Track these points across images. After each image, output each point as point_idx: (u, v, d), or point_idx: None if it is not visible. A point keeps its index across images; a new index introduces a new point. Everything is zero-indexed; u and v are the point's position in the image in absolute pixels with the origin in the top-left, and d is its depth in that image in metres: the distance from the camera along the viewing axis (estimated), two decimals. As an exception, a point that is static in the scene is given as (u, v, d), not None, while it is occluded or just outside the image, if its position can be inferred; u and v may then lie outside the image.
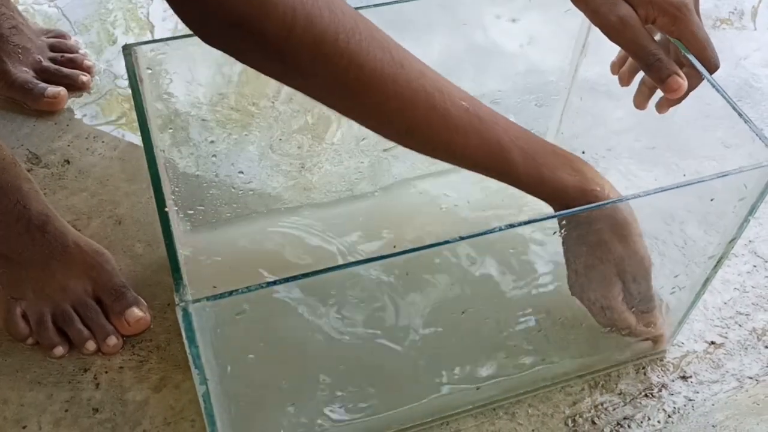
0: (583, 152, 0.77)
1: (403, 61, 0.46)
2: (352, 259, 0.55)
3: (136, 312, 0.64)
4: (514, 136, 0.51)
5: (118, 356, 0.64)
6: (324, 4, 0.42)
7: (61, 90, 0.83)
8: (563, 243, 0.54)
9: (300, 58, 0.42)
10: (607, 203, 0.51)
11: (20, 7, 0.95)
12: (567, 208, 0.51)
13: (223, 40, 0.42)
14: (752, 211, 0.53)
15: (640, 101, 0.63)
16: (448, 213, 0.74)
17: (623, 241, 0.53)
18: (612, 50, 0.66)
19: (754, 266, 0.74)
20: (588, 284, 0.55)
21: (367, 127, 0.49)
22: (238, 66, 0.72)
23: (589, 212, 0.51)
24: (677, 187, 0.50)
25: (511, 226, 0.47)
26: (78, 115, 0.84)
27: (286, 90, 0.76)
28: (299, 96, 0.75)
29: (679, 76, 0.55)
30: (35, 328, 0.63)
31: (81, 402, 0.62)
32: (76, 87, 0.85)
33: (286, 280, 0.42)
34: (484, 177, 0.52)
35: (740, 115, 0.53)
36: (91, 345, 0.63)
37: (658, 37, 0.58)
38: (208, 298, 0.41)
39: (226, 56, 0.66)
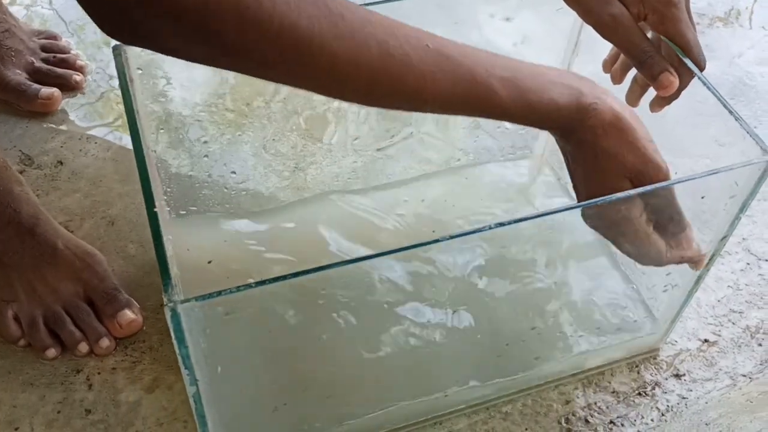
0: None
1: (343, 11, 0.41)
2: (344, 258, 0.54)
3: (128, 314, 0.64)
4: (490, 66, 0.46)
5: (110, 357, 0.64)
6: None
7: (55, 91, 0.83)
8: (569, 169, 0.51)
9: (225, 33, 0.38)
10: (608, 199, 0.50)
11: (20, 10, 0.95)
12: (565, 131, 0.49)
13: (138, 30, 0.38)
14: (743, 208, 0.53)
15: (633, 99, 0.63)
16: (442, 211, 0.74)
17: (632, 150, 0.49)
18: (604, 49, 0.66)
19: (748, 264, 0.74)
20: (603, 209, 0.50)
21: (326, 94, 0.45)
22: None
23: (583, 119, 0.48)
24: (669, 185, 0.50)
25: (501, 224, 0.47)
26: (71, 116, 0.84)
27: (280, 90, 0.76)
28: (293, 96, 0.75)
29: (670, 73, 0.55)
30: (27, 331, 0.63)
31: (73, 403, 0.61)
32: (69, 87, 0.85)
33: (276, 279, 0.42)
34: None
35: (731, 112, 0.53)
36: (83, 347, 0.63)
37: (650, 34, 0.58)
38: (196, 299, 0.41)
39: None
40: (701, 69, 0.56)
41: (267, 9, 0.38)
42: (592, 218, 0.51)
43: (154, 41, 0.39)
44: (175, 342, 0.42)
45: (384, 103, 0.46)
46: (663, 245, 0.52)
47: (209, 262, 0.66)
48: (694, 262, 0.56)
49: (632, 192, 0.49)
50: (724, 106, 0.53)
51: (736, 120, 0.52)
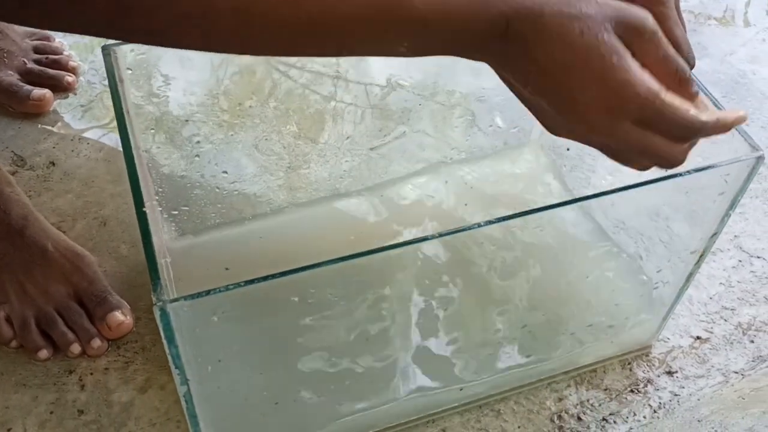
0: (568, 149, 0.77)
1: None
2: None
3: (118, 317, 0.64)
4: None
5: (103, 358, 0.64)
6: None
7: (47, 92, 0.83)
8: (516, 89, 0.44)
9: None
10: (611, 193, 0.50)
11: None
12: (497, 33, 0.39)
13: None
14: (732, 205, 0.53)
15: None
16: (435, 210, 0.74)
17: (589, 63, 0.40)
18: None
19: (740, 261, 0.74)
20: (579, 128, 0.43)
21: (187, 47, 0.38)
22: (224, 66, 0.72)
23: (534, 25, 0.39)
24: (658, 180, 0.50)
25: (490, 222, 0.47)
26: (64, 117, 0.83)
27: (273, 91, 0.76)
28: (286, 96, 0.75)
29: None
30: (19, 332, 0.63)
31: (66, 404, 0.61)
32: (61, 88, 0.85)
33: (265, 278, 0.42)
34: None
35: (719, 110, 0.53)
36: (75, 348, 0.63)
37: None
38: (185, 298, 0.41)
39: (211, 56, 0.66)
40: (691, 67, 0.56)
41: None
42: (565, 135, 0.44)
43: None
44: (164, 341, 0.42)
45: (271, 45, 0.38)
46: (667, 146, 0.44)
47: (227, 269, 0.66)
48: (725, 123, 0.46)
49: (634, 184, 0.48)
50: (714, 103, 0.53)
51: (725, 117, 0.52)
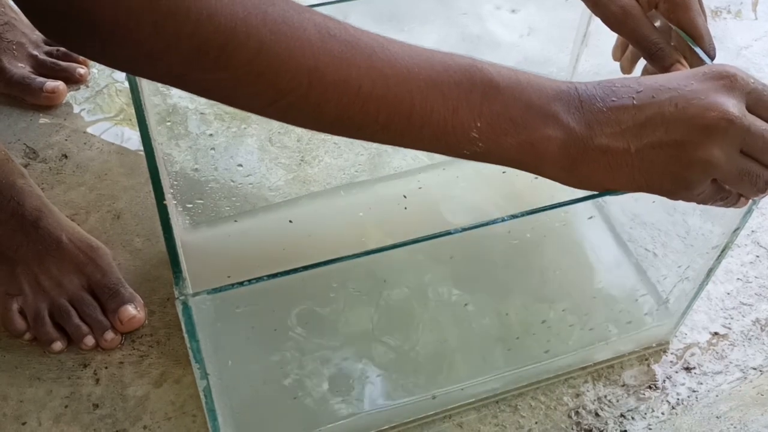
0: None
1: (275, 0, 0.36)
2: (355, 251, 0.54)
3: (129, 310, 0.64)
4: (469, 58, 0.41)
5: (117, 351, 0.64)
6: None
7: (60, 84, 0.82)
8: None
9: (139, 30, 0.34)
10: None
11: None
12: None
13: (59, 30, 0.35)
14: (756, 200, 0.53)
15: (627, 66, 0.63)
16: (449, 204, 0.73)
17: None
18: (613, 40, 0.66)
19: (757, 256, 0.74)
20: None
21: (261, 104, 0.38)
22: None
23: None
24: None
25: (512, 217, 0.47)
26: (76, 109, 0.83)
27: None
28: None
29: (681, 64, 0.55)
30: (32, 324, 0.63)
31: (81, 398, 0.61)
32: (73, 80, 0.84)
33: (287, 272, 0.42)
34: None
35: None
36: (89, 340, 0.63)
37: (658, 23, 0.57)
38: (208, 292, 0.41)
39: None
40: (712, 59, 0.56)
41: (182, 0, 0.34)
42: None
43: (80, 48, 0.36)
44: (186, 336, 0.42)
45: (330, 108, 0.38)
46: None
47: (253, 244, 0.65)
48: None
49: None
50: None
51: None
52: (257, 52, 0.36)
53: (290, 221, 0.70)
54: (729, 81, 0.43)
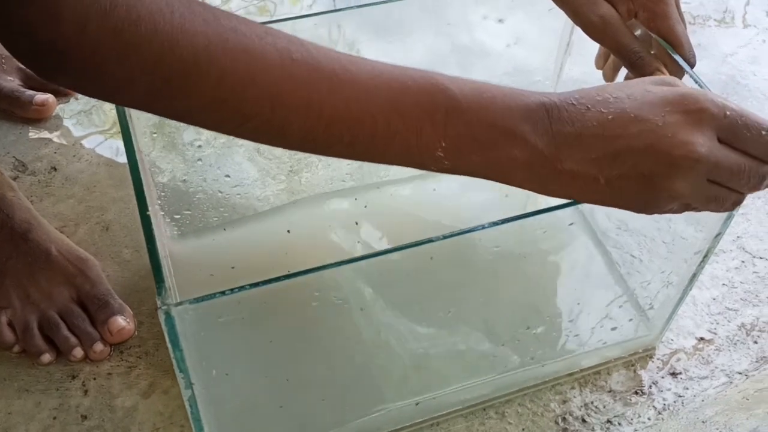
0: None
1: (236, 25, 0.37)
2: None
3: (119, 321, 0.64)
4: (428, 73, 0.41)
5: (106, 362, 0.64)
6: None
7: (50, 97, 0.83)
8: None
9: (105, 63, 0.35)
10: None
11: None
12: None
13: (32, 62, 0.36)
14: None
15: (610, 74, 0.64)
16: (436, 212, 0.74)
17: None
18: (596, 49, 0.67)
19: (742, 262, 0.74)
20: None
21: (227, 127, 0.40)
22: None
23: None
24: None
25: (493, 224, 0.47)
26: (65, 122, 0.83)
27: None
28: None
29: (661, 72, 0.55)
30: (21, 336, 0.63)
31: (69, 409, 0.61)
32: (62, 93, 0.85)
33: (268, 281, 0.42)
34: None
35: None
36: (78, 352, 0.63)
37: (638, 32, 0.58)
38: (190, 301, 0.41)
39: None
40: (692, 66, 0.56)
41: (145, 31, 0.35)
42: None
43: (52, 78, 0.37)
44: (169, 345, 0.42)
45: (294, 130, 0.39)
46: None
47: (232, 268, 0.66)
48: None
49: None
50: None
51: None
52: (219, 80, 0.37)
53: (288, 231, 0.70)
54: (699, 115, 0.43)
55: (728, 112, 0.43)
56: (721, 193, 0.44)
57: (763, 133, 0.44)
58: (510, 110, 0.42)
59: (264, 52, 0.37)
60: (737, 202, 0.46)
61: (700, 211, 0.46)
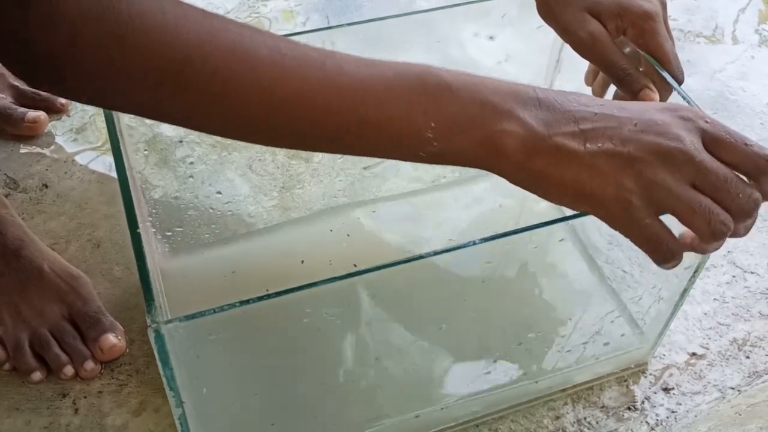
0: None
1: (227, 25, 0.38)
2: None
3: (110, 339, 0.64)
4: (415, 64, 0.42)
5: (96, 380, 0.64)
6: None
7: (41, 114, 0.83)
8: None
9: (92, 61, 0.35)
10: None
11: None
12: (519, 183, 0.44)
13: (31, 74, 0.37)
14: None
15: (598, 90, 0.64)
16: (429, 229, 0.74)
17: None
18: (585, 65, 0.67)
19: (733, 276, 0.74)
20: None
21: (224, 128, 0.41)
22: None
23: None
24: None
25: (483, 240, 0.47)
26: (56, 139, 0.83)
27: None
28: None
29: (650, 89, 0.56)
30: (12, 354, 0.63)
31: (60, 428, 0.61)
32: (54, 110, 0.85)
33: (259, 299, 0.42)
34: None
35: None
36: (68, 370, 0.63)
37: (627, 49, 0.59)
38: (180, 319, 0.41)
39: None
40: (679, 83, 0.57)
41: (137, 33, 0.35)
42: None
43: (47, 88, 0.38)
44: (159, 363, 0.42)
45: (286, 125, 0.40)
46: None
47: (224, 285, 0.66)
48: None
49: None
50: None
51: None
52: (211, 75, 0.37)
53: (256, 256, 0.70)
54: (688, 118, 0.44)
55: (709, 122, 0.44)
56: (707, 203, 0.43)
57: (746, 144, 0.44)
58: (500, 90, 0.42)
59: (255, 48, 0.38)
60: (724, 228, 0.43)
61: (675, 247, 0.44)
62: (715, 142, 0.44)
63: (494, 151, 0.42)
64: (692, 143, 0.43)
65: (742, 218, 0.44)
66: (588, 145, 0.42)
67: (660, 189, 0.42)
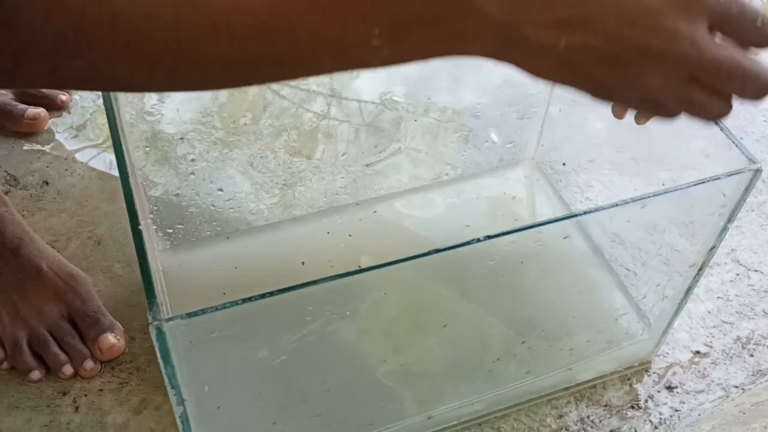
0: (564, 164, 0.77)
1: None
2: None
3: (109, 339, 0.63)
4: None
5: (97, 379, 0.63)
6: None
7: (42, 111, 0.82)
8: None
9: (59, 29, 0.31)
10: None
11: None
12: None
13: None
14: (731, 218, 0.53)
15: (619, 111, 0.63)
16: (431, 226, 0.74)
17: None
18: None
19: (737, 275, 0.74)
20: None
21: (149, 80, 0.35)
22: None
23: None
24: (655, 195, 0.50)
25: (488, 237, 0.47)
26: (57, 135, 0.83)
27: (268, 107, 0.76)
28: (281, 113, 0.75)
29: None
30: (11, 353, 0.62)
31: (60, 426, 0.61)
32: (55, 107, 0.84)
33: (261, 296, 0.42)
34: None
35: (716, 123, 0.53)
36: (67, 369, 0.62)
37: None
38: (182, 317, 0.40)
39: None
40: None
41: None
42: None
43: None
44: (160, 361, 0.42)
45: (209, 60, 0.35)
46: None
47: (225, 283, 0.65)
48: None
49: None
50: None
51: (721, 131, 0.53)
52: (111, 23, 0.32)
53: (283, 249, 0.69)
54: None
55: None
56: (697, 96, 0.39)
57: (759, 22, 0.39)
58: None
59: None
60: (721, 113, 0.40)
61: (668, 114, 0.40)
62: (724, 22, 0.38)
63: (451, 49, 0.37)
64: (690, 38, 0.37)
65: (753, 103, 0.41)
66: (565, 38, 0.36)
67: (644, 89, 0.38)
